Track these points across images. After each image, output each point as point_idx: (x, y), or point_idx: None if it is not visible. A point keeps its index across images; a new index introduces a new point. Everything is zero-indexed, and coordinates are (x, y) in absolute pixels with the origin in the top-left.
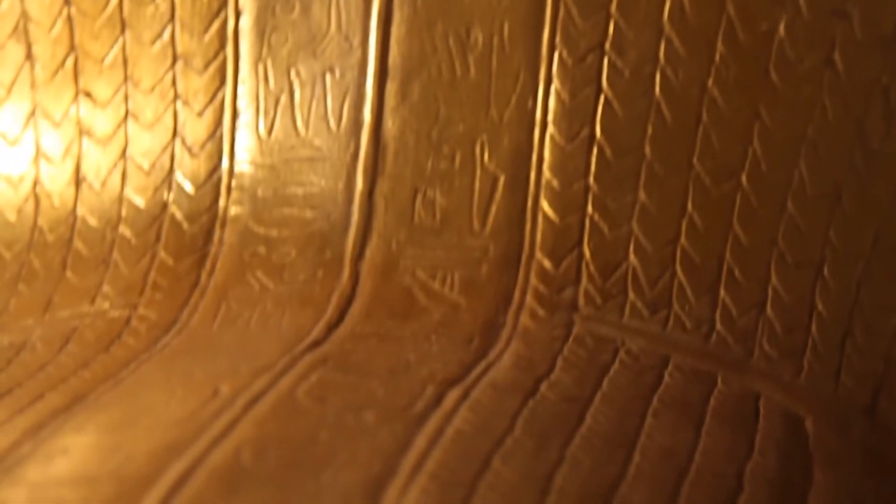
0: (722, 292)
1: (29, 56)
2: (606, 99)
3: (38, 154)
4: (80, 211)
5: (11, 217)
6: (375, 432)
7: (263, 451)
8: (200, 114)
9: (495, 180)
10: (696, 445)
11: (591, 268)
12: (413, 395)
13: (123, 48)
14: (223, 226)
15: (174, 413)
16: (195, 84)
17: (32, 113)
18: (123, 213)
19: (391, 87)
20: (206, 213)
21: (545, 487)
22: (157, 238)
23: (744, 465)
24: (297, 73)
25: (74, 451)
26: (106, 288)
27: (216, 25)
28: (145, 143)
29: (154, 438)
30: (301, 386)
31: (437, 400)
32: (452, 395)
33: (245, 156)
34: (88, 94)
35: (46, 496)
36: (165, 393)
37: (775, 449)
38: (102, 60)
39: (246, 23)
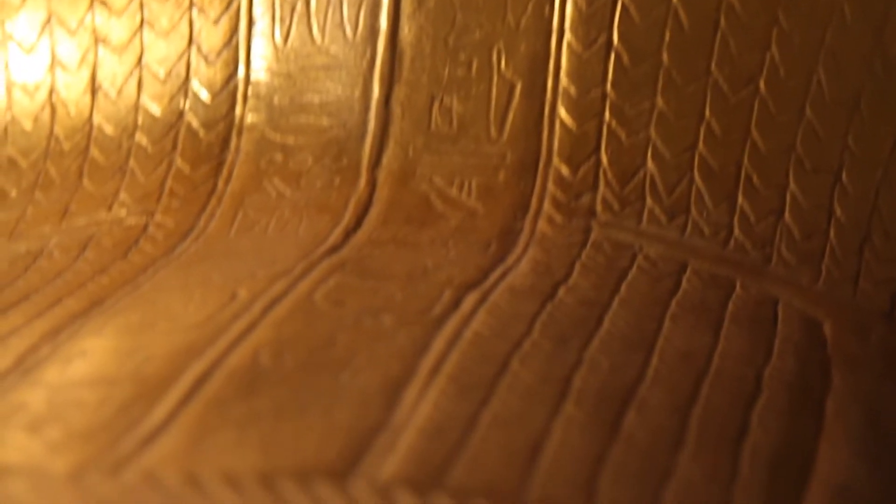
0: (740, 198)
1: None
2: (623, 5)
3: (54, 62)
4: (97, 119)
5: (27, 125)
6: (393, 335)
7: (281, 352)
8: (216, 21)
9: (512, 87)
10: (714, 349)
11: (609, 174)
12: (431, 298)
13: None
14: (239, 134)
15: (192, 316)
16: None
17: (48, 21)
18: (140, 121)
19: None
20: (223, 120)
21: (563, 389)
22: (174, 146)
23: (762, 369)
24: None
25: (93, 353)
26: (123, 195)
27: None
28: (161, 51)
29: (172, 341)
30: (319, 290)
31: (455, 303)
32: (470, 299)
33: (261, 63)
34: (104, 2)
35: (65, 397)
36: (183, 297)
37: (794, 352)
38: None
39: None
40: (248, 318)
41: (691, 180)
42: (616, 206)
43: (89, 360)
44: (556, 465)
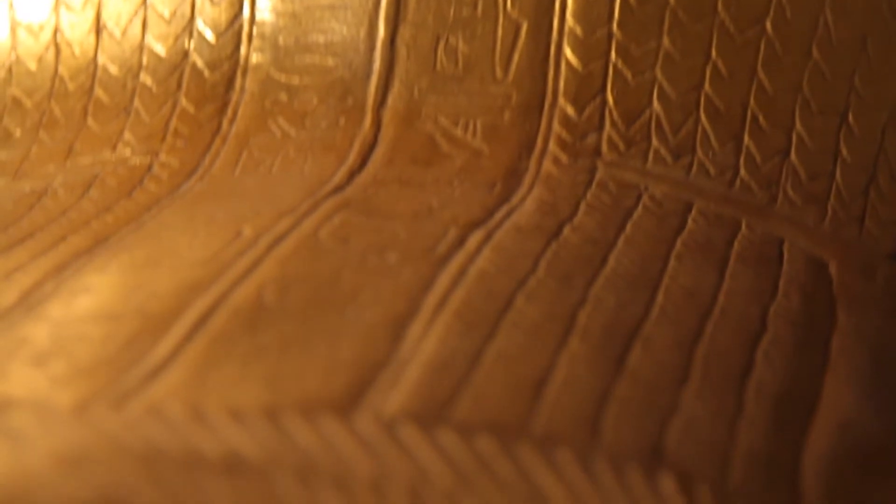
0: (746, 139)
1: None
2: None
3: (59, 2)
4: (101, 59)
5: (32, 65)
6: (398, 272)
7: (286, 289)
8: None
9: (518, 27)
10: (719, 287)
11: (615, 114)
12: (436, 236)
13: None
14: (244, 74)
15: (197, 253)
16: None
17: None
18: (144, 61)
19: None
20: (227, 61)
21: (568, 326)
22: (178, 86)
23: (767, 307)
24: None
25: (97, 289)
26: (127, 135)
27: None
28: None
29: (177, 277)
30: (324, 228)
31: (460, 241)
32: (475, 237)
33: (266, 4)
34: None
35: (70, 332)
36: (188, 235)
37: (799, 291)
38: None
39: None
40: (252, 255)
41: (697, 120)
42: (621, 146)
43: (94, 295)
44: (560, 401)
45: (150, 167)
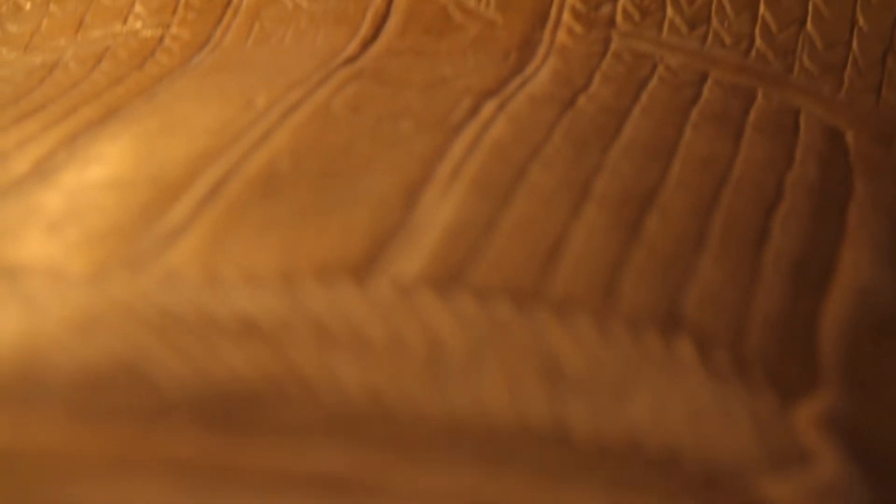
0: (762, 8)
1: None
2: None
3: None
4: None
5: None
6: (412, 140)
7: (299, 158)
8: None
9: None
10: (735, 156)
11: None
12: (449, 106)
13: None
14: None
15: (209, 123)
16: None
17: None
18: None
19: None
20: None
21: (584, 193)
22: None
23: (784, 175)
24: None
25: (110, 158)
26: (138, 8)
27: None
28: None
29: (189, 146)
30: (336, 97)
31: (474, 110)
32: (489, 106)
33: None
34: None
35: (83, 200)
36: (200, 105)
37: (816, 160)
38: None
39: None
40: (265, 125)
41: None
42: (636, 17)
43: (106, 164)
44: (576, 266)
45: (161, 39)
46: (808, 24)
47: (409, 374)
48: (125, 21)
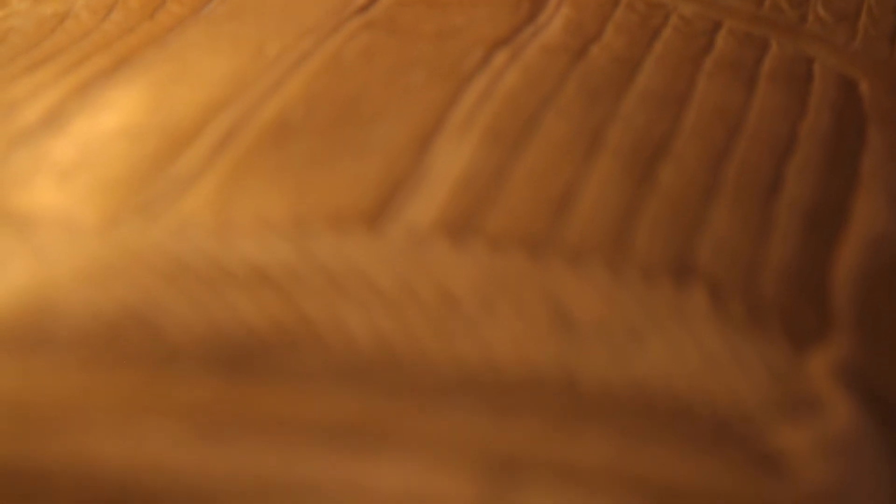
0: None
1: None
2: None
3: None
4: None
5: None
6: (424, 89)
7: (312, 107)
8: None
9: None
10: (748, 105)
11: None
12: (461, 55)
13: None
14: None
15: (221, 71)
16: None
17: None
18: None
19: None
20: None
21: (597, 142)
22: None
23: (798, 125)
24: None
25: (121, 107)
26: None
27: None
28: None
29: (201, 94)
30: (348, 46)
31: (486, 59)
32: (501, 56)
33: None
34: None
35: (94, 149)
36: (211, 53)
37: (829, 109)
38: None
39: None
40: (276, 73)
41: None
42: None
43: (118, 113)
44: (590, 215)
45: None
46: None
47: (419, 323)
48: None
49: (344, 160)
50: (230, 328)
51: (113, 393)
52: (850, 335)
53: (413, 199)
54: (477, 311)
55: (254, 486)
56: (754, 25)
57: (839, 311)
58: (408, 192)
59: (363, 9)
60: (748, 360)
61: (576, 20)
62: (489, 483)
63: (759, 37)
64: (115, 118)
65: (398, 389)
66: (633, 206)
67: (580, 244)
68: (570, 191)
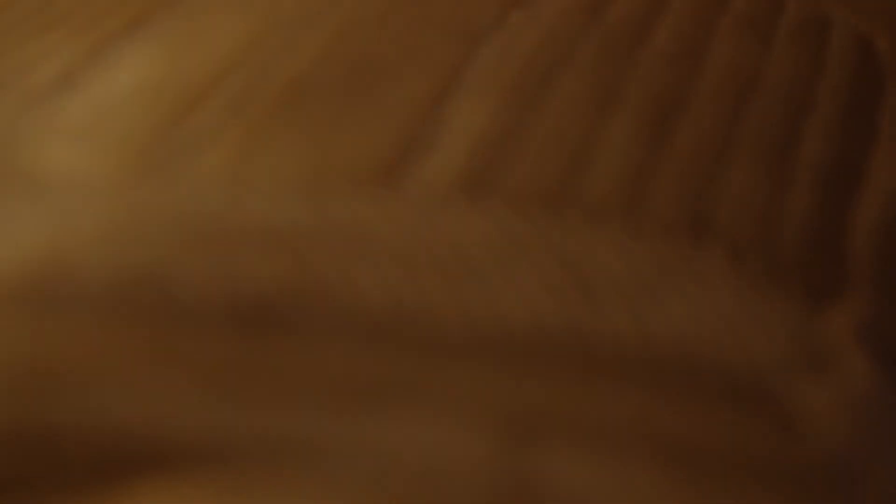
0: None
1: None
2: None
3: None
4: None
5: None
6: (439, 48)
7: (326, 66)
8: None
9: None
10: (765, 63)
11: None
12: (477, 14)
13: None
14: None
15: (235, 30)
16: None
17: None
18: None
19: None
20: None
21: (614, 101)
22: None
23: (814, 82)
24: None
25: (135, 67)
26: None
27: None
28: None
29: (216, 54)
30: (363, 5)
31: (502, 18)
32: (516, 15)
33: None
34: None
35: (107, 109)
36: (225, 12)
37: (847, 66)
38: None
39: None
40: (291, 32)
41: None
42: None
43: (132, 73)
44: (607, 173)
45: None
46: None
47: (434, 282)
48: None
49: (360, 119)
50: (245, 287)
51: (126, 352)
52: (869, 292)
53: (428, 158)
54: (492, 270)
55: (265, 444)
56: None
57: (857, 267)
58: (423, 152)
59: None
60: (766, 318)
61: None
62: (504, 439)
63: None
64: (129, 79)
65: (412, 348)
66: (650, 165)
67: (597, 202)
68: (588, 149)
